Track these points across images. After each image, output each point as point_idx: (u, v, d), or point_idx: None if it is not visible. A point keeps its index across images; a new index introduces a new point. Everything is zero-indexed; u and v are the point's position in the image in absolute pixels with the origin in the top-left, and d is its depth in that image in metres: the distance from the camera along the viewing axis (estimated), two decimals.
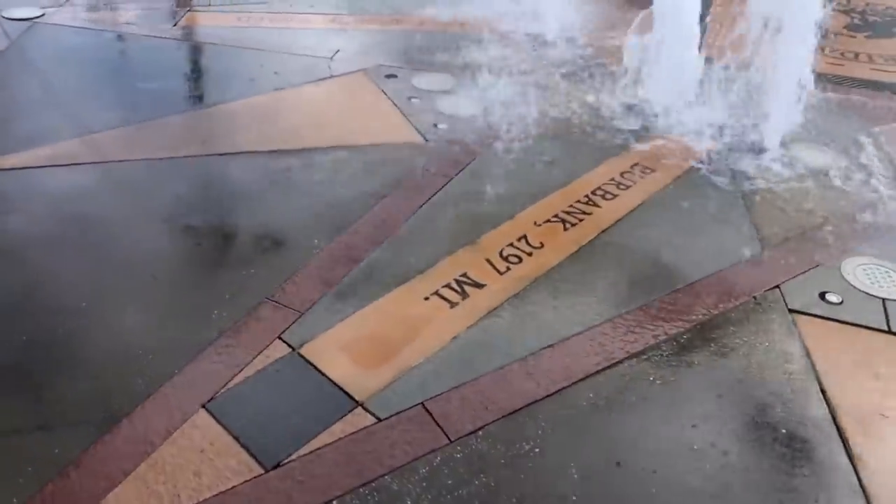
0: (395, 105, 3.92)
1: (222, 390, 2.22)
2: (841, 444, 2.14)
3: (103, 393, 2.20)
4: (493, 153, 3.51)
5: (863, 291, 2.71)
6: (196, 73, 4.43)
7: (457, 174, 3.33)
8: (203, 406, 2.17)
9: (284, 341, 2.39)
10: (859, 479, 2.04)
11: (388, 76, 4.22)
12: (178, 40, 4.71)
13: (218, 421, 2.12)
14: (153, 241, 2.90)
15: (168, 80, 4.24)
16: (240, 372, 2.28)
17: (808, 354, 2.44)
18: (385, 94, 4.03)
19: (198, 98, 4.09)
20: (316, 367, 2.31)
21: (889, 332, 2.55)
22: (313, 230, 2.93)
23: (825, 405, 2.26)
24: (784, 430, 2.18)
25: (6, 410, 2.15)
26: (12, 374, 2.27)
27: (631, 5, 5.11)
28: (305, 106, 3.93)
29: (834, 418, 2.22)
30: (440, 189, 3.22)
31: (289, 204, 3.11)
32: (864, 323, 2.58)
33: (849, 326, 2.57)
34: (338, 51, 4.53)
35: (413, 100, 3.97)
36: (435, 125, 3.73)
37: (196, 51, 4.66)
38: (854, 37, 5.16)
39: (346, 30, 4.93)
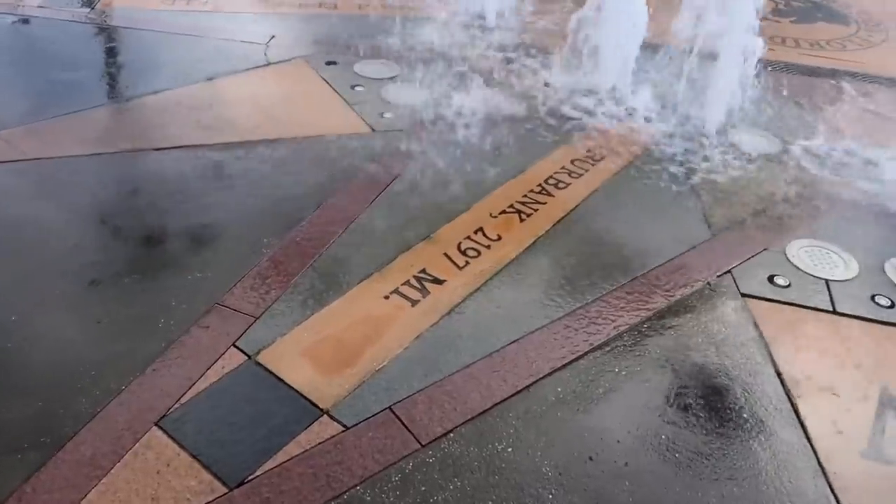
0: (338, 94, 3.78)
1: (175, 406, 2.09)
2: (799, 425, 2.21)
3: (44, 415, 2.02)
4: (444, 142, 3.44)
5: (808, 273, 2.81)
6: (120, 61, 4.14)
7: (407, 165, 3.25)
8: (156, 424, 2.03)
9: (239, 349, 2.27)
10: (818, 458, 2.11)
11: (329, 63, 4.07)
12: (98, 25, 4.41)
13: (173, 439, 1.99)
14: (85, 245, 2.70)
15: (89, 69, 3.96)
16: (193, 385, 2.15)
17: (762, 337, 2.50)
18: (327, 82, 3.89)
19: (124, 88, 3.83)
20: (275, 375, 2.20)
21: (834, 312, 2.65)
22: (261, 228, 2.79)
23: (782, 387, 2.33)
24: (746, 414, 2.23)
25: None
26: None
27: None
28: (243, 96, 3.74)
29: (790, 399, 2.29)
30: (392, 181, 3.13)
31: (233, 201, 2.96)
32: (811, 304, 2.67)
33: (798, 308, 2.65)
34: (273, 36, 4.34)
35: (356, 88, 3.85)
36: (381, 114, 3.62)
37: (118, 36, 4.37)
38: (780, 22, 5.33)
39: (279, 14, 4.74)
